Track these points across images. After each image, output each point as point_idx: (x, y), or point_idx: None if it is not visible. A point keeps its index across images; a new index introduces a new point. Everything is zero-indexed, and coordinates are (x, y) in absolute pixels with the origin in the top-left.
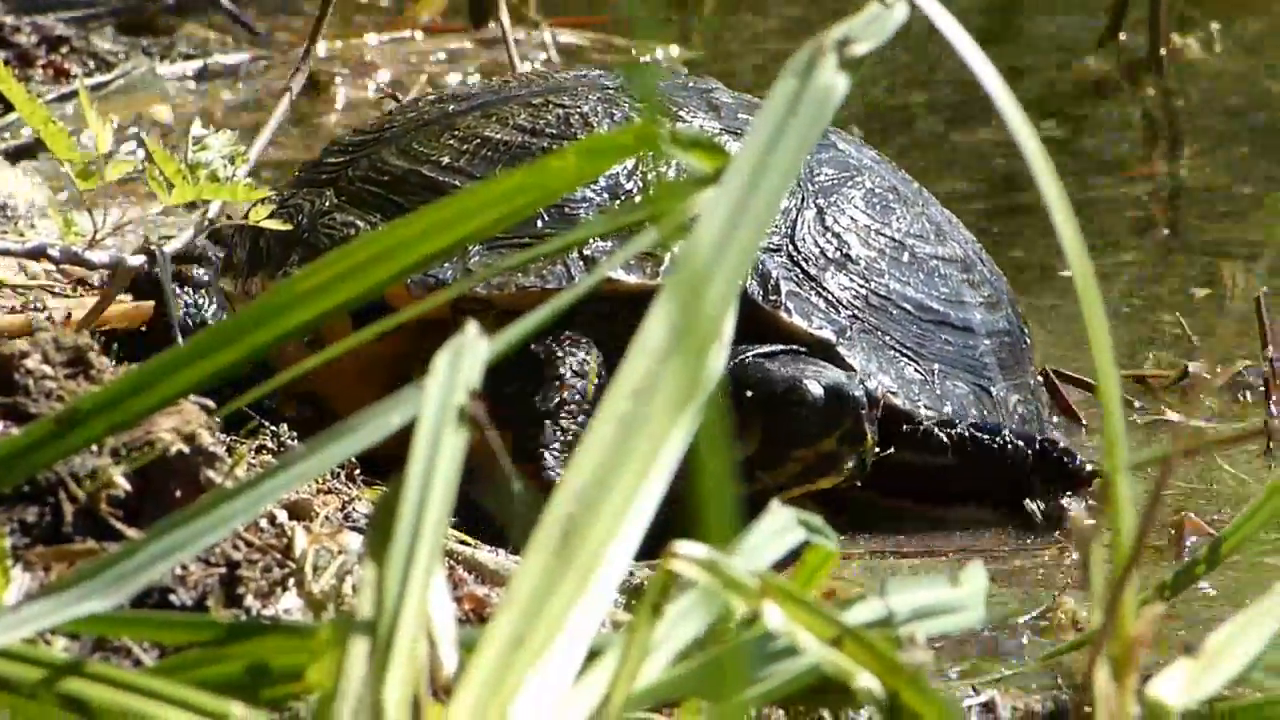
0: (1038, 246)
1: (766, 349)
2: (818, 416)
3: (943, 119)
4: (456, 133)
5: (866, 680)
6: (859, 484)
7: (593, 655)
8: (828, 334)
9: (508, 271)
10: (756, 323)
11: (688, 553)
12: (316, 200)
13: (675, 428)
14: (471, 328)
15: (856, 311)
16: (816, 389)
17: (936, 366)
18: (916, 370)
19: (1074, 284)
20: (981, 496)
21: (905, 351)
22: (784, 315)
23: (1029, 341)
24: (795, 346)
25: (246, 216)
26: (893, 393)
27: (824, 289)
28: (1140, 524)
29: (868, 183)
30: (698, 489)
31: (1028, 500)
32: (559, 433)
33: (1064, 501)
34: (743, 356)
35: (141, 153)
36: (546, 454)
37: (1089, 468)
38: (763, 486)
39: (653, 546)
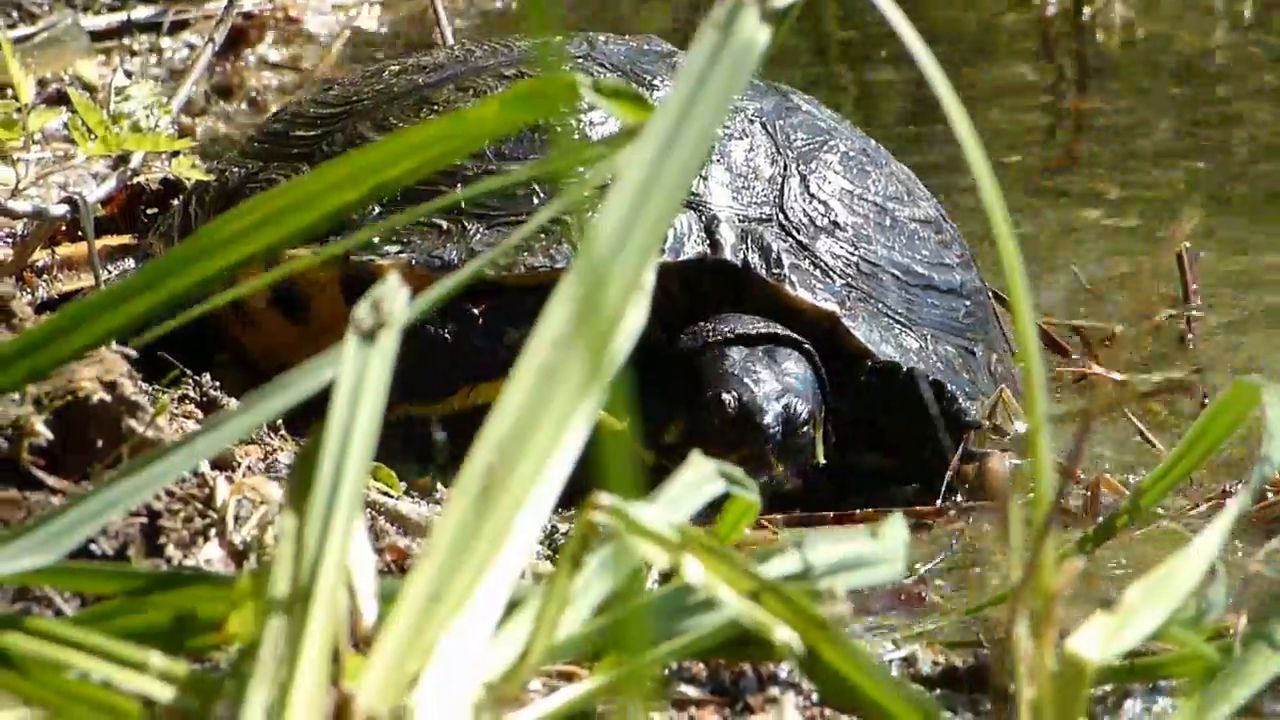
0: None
1: (747, 328)
2: (724, 430)
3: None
4: (435, 106)
5: (786, 634)
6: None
7: (513, 606)
8: (831, 306)
9: (512, 251)
10: (758, 296)
11: (608, 504)
12: (293, 175)
13: (591, 388)
14: (393, 278)
15: (850, 280)
16: (732, 402)
17: (927, 332)
18: (911, 337)
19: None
20: (885, 444)
21: (898, 318)
22: (788, 289)
23: (991, 296)
24: (778, 330)
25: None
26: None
27: (818, 258)
28: (1060, 476)
29: (841, 146)
30: (598, 451)
31: (928, 450)
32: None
33: (981, 455)
34: (719, 335)
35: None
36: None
37: (970, 416)
38: None
39: (575, 499)
